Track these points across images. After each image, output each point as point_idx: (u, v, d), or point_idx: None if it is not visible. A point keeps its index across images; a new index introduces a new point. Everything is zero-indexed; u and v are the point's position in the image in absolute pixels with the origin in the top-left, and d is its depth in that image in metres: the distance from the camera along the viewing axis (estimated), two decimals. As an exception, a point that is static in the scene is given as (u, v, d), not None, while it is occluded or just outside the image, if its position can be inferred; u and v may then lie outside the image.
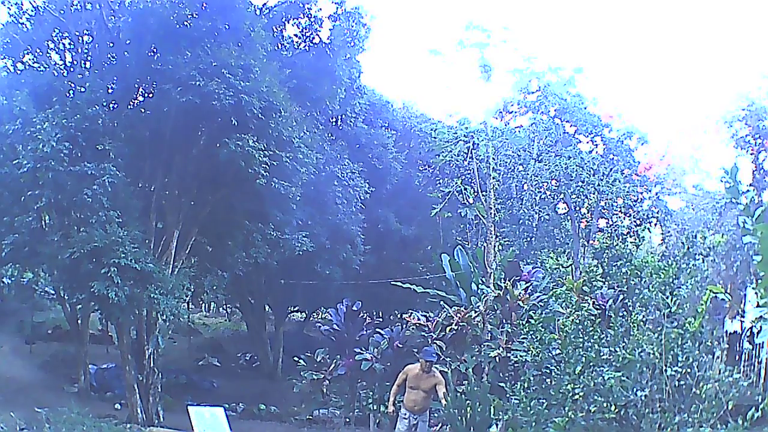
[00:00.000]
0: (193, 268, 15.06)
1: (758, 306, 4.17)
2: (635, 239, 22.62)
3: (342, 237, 18.51)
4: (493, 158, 16.72)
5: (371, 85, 22.44)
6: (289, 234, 15.49)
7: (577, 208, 22.73)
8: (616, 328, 6.89)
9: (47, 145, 11.51)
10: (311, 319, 25.34)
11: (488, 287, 13.91)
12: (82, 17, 13.60)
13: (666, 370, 6.00)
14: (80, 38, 13.83)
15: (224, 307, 30.06)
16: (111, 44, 13.64)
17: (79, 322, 16.15)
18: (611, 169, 21.95)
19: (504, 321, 13.05)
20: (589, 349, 6.76)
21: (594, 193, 21.82)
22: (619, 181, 21.75)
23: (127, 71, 13.33)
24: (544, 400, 6.89)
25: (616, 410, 6.16)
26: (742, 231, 4.03)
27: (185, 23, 12.90)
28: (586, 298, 11.17)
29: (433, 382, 9.09)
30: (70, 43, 14.04)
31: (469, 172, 17.40)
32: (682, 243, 9.22)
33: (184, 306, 17.17)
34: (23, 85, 12.91)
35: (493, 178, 16.29)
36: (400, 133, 23.23)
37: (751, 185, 16.84)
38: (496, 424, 9.19)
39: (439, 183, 19.72)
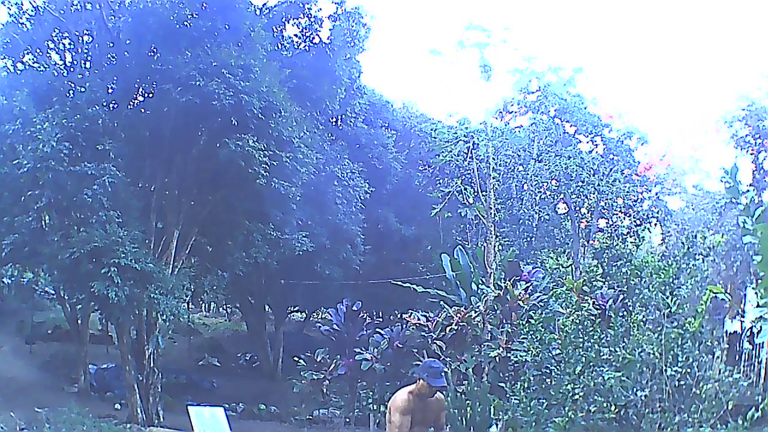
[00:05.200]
0: (193, 268, 15.06)
1: (758, 306, 4.17)
2: (635, 239, 22.62)
3: (342, 237, 18.50)
4: (493, 158, 16.75)
5: (371, 85, 22.50)
6: (289, 234, 15.48)
7: (577, 208, 22.72)
8: (616, 328, 6.89)
9: (47, 145, 11.52)
10: (311, 319, 25.34)
11: (488, 287, 13.93)
12: (82, 17, 13.61)
13: (666, 370, 6.00)
14: (80, 38, 13.84)
15: (224, 307, 30.06)
16: (111, 44, 13.64)
17: (79, 322, 16.17)
18: (611, 169, 21.95)
19: (504, 321, 13.07)
20: (589, 349, 6.77)
21: (594, 193, 21.82)
22: (619, 181, 21.76)
23: (127, 71, 13.33)
24: (544, 400, 6.89)
25: (616, 410, 6.16)
26: (742, 231, 4.03)
27: (185, 23, 12.90)
28: (586, 298, 11.17)
29: (437, 409, 5.78)
30: (70, 43, 14.04)
31: (469, 172, 17.42)
32: (682, 243, 9.22)
33: (184, 306, 17.14)
34: (23, 85, 12.92)
35: (493, 178, 16.32)
36: (400, 133, 23.23)
37: (751, 185, 16.85)
38: (496, 424, 9.21)
39: (439, 183, 19.74)
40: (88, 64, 13.78)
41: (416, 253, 22.52)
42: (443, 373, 5.65)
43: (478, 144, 16.27)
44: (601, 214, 23.24)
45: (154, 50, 13.13)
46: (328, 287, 18.84)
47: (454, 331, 13.45)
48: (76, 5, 13.69)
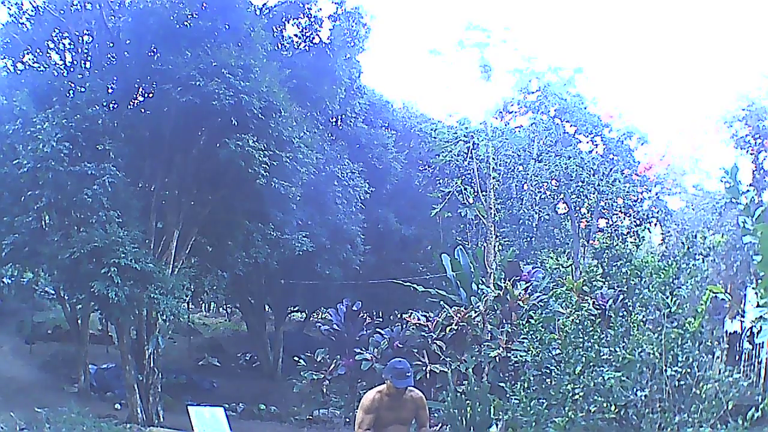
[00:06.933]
0: (193, 268, 15.07)
1: (758, 306, 4.16)
2: (635, 239, 22.62)
3: (342, 237, 18.51)
4: (493, 158, 16.74)
5: (371, 85, 22.52)
6: (289, 234, 15.49)
7: (577, 208, 22.72)
8: (616, 328, 6.89)
9: (47, 145, 11.53)
10: (311, 319, 25.35)
11: (488, 287, 13.94)
12: (82, 17, 13.62)
13: (666, 370, 6.00)
14: (80, 38, 13.84)
15: (224, 307, 30.07)
16: (111, 44, 13.65)
17: (79, 322, 16.16)
18: (611, 169, 21.94)
19: (504, 321, 13.07)
20: (589, 349, 6.76)
21: (594, 193, 21.81)
22: (619, 181, 21.75)
23: (127, 71, 13.34)
24: (544, 400, 6.89)
25: (616, 410, 6.16)
26: (742, 231, 4.02)
27: (185, 23, 12.91)
28: (586, 298, 11.17)
29: (411, 407, 5.87)
30: (70, 43, 14.05)
31: (469, 172, 17.43)
32: (682, 243, 9.21)
33: (184, 306, 17.15)
34: (23, 85, 12.94)
35: (493, 178, 16.32)
36: (400, 133, 23.24)
37: (751, 185, 16.82)
38: (496, 424, 9.19)
39: (439, 183, 19.75)
40: (88, 64, 13.79)
41: (416, 253, 22.54)
42: (409, 374, 5.66)
43: (478, 144, 16.27)
44: (601, 214, 23.23)
45: (154, 50, 13.14)
46: (328, 287, 18.84)
47: (454, 331, 13.44)
48: (76, 5, 13.69)
